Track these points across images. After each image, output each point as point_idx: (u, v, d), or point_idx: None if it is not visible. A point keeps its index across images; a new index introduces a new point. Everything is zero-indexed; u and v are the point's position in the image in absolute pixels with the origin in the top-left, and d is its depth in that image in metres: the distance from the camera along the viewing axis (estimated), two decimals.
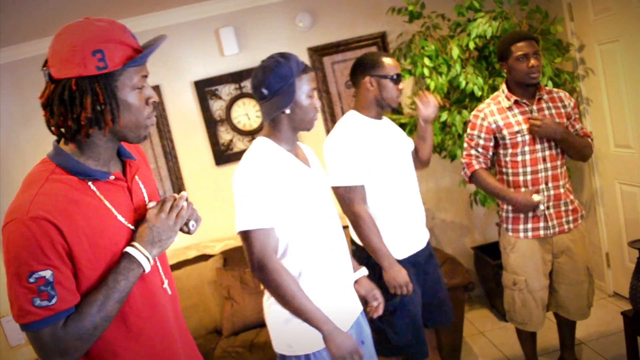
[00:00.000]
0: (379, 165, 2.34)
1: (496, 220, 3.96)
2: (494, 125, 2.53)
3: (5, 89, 3.60)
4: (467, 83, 3.18)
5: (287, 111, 1.81)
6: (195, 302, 3.45)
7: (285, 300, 1.74)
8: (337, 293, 1.89)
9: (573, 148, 2.51)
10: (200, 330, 3.39)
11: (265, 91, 1.80)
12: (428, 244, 2.56)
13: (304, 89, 1.81)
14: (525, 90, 2.52)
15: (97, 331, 1.21)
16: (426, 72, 3.24)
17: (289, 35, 3.79)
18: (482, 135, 2.56)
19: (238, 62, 3.76)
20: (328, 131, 3.87)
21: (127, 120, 1.27)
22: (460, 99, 3.42)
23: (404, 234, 2.42)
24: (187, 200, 1.40)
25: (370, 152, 2.32)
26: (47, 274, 1.14)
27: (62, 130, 1.25)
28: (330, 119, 3.87)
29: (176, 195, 1.39)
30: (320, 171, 1.98)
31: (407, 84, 3.86)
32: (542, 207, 2.49)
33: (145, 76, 1.30)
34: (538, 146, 2.50)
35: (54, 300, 1.15)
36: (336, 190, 2.33)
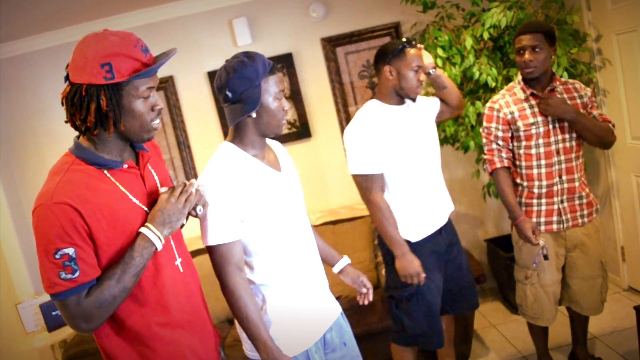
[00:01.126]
0: (399, 152, 2.35)
1: None
2: (509, 116, 2.49)
3: (5, 84, 3.67)
4: (480, 74, 3.14)
5: (253, 115, 1.71)
6: (207, 291, 3.40)
7: (238, 319, 1.71)
8: (311, 298, 1.85)
9: (588, 131, 2.42)
10: (212, 319, 3.42)
11: (229, 94, 1.69)
12: (451, 227, 2.58)
13: (271, 91, 1.70)
14: (534, 82, 2.48)
15: (116, 300, 1.39)
16: (439, 62, 3.21)
17: (302, 25, 3.78)
18: (500, 127, 2.52)
19: None
20: (340, 123, 3.87)
21: (130, 125, 1.43)
22: (473, 90, 3.38)
23: (423, 215, 2.43)
24: (196, 187, 1.56)
25: (390, 140, 2.33)
26: (70, 251, 1.32)
27: (74, 125, 1.43)
28: (343, 110, 3.86)
29: (187, 181, 1.54)
30: (291, 172, 1.91)
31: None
32: (541, 252, 2.48)
33: (152, 87, 1.44)
34: (552, 139, 2.46)
35: (77, 274, 1.33)
36: (355, 178, 2.37)
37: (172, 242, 1.57)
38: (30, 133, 3.71)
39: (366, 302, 2.08)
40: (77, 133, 1.48)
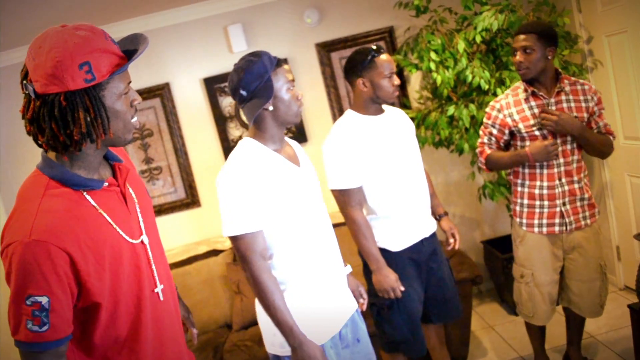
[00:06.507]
0: (378, 162, 2.35)
1: (505, 213, 3.95)
2: (509, 119, 2.51)
3: (6, 92, 3.66)
4: (473, 77, 3.17)
5: (270, 108, 1.80)
6: (206, 296, 3.49)
7: (265, 306, 1.76)
8: (329, 293, 1.90)
9: (590, 145, 2.47)
10: (211, 325, 3.44)
11: (243, 92, 1.79)
12: (434, 239, 2.56)
13: (282, 82, 1.80)
14: (540, 81, 2.48)
15: None
16: (432, 66, 3.24)
17: (297, 31, 3.81)
18: (496, 125, 2.56)
19: None
20: None
21: (115, 127, 1.26)
22: (467, 93, 3.41)
23: (404, 225, 2.43)
24: None
25: (367, 152, 2.33)
26: (44, 300, 1.14)
27: (53, 144, 1.21)
28: (339, 114, 3.88)
29: None
30: (310, 169, 1.98)
31: (414, 78, 3.87)
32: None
33: (130, 81, 1.28)
34: (558, 140, 2.46)
35: (45, 327, 1.15)
36: (332, 192, 2.39)
37: (153, 267, 1.38)
38: (31, 144, 3.70)
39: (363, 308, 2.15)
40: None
